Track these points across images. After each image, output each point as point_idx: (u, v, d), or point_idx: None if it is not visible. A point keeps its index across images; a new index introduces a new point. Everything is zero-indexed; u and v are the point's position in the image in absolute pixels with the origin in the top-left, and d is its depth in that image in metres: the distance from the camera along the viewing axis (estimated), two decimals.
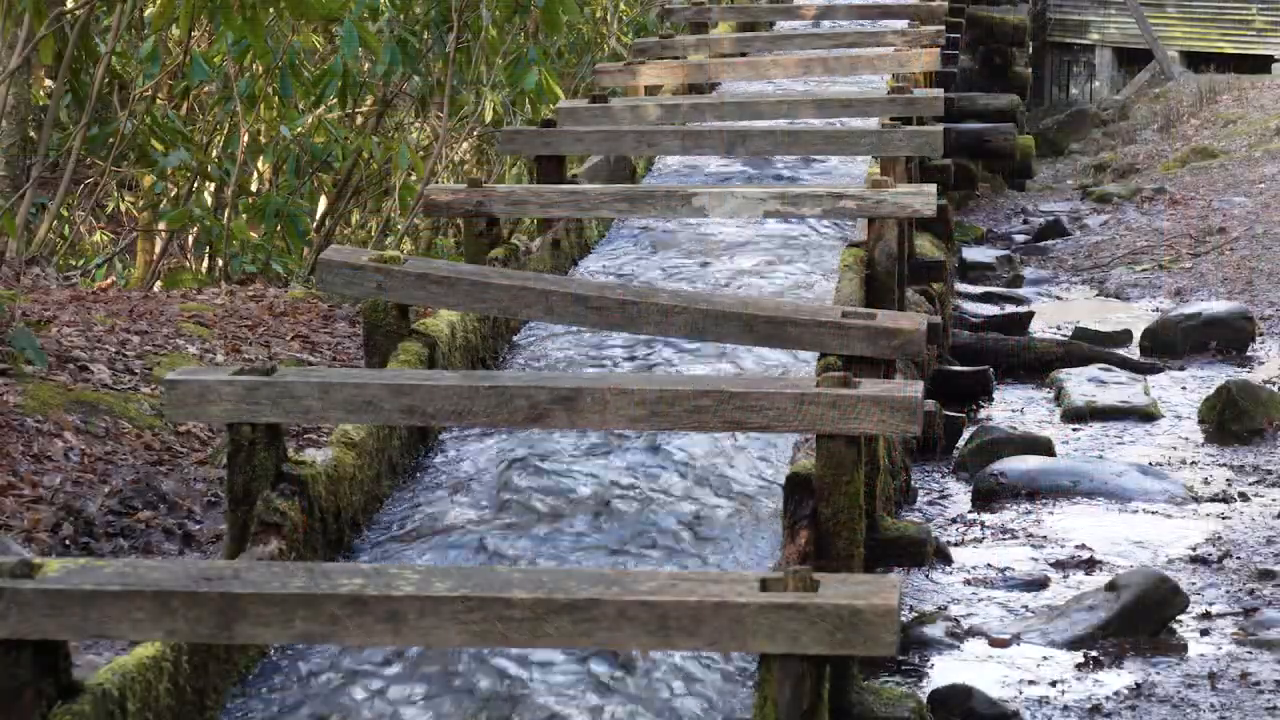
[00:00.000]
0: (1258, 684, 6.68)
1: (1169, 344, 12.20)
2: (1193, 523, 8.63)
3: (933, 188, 8.14)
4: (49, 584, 4.14)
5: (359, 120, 16.20)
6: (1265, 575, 7.87)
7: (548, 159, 9.57)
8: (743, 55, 13.88)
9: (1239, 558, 8.11)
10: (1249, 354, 12.12)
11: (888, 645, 4.04)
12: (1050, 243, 16.44)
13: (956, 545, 8.30)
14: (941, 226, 11.49)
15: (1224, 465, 9.65)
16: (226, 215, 13.42)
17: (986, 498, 9.02)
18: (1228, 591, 7.69)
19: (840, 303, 7.50)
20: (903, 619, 6.27)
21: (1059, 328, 13.01)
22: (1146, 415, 10.54)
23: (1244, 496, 9.05)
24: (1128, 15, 27.22)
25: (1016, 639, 7.12)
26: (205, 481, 7.84)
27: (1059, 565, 8.02)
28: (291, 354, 9.88)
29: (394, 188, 15.30)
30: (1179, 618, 7.28)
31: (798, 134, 9.79)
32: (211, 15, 11.45)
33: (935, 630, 7.10)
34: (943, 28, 13.88)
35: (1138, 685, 6.65)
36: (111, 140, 12.75)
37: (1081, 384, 11.00)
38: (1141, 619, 7.16)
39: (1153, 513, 8.77)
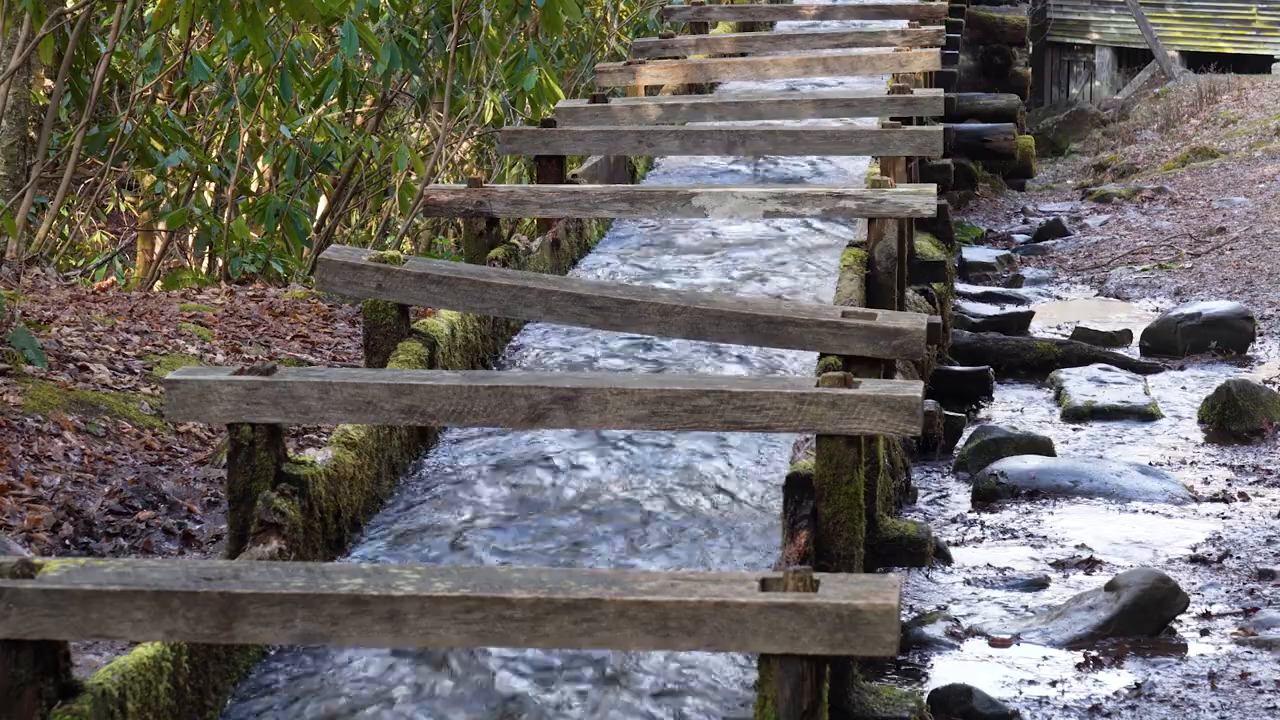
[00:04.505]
0: (1258, 684, 6.68)
1: (1169, 344, 12.20)
2: (1193, 523, 8.63)
3: (933, 188, 8.14)
4: (49, 584, 4.14)
5: (359, 120, 16.20)
6: (1265, 575, 7.87)
7: (548, 159, 9.57)
8: (743, 55, 13.88)
9: (1239, 558, 8.11)
10: (1249, 354, 12.12)
11: (888, 645, 4.04)
12: (1050, 243, 16.44)
13: (956, 545, 8.30)
14: (941, 226, 11.49)
15: (1224, 465, 9.65)
16: (226, 215, 13.42)
17: (986, 498, 9.02)
18: (1228, 591, 7.69)
19: (840, 303, 7.50)
20: (903, 619, 6.27)
21: (1059, 328, 13.01)
22: (1146, 415, 10.54)
23: (1244, 496, 9.05)
24: (1128, 15, 27.22)
25: (1016, 639, 7.12)
26: (205, 481, 7.84)
27: (1059, 565, 8.02)
28: (291, 354, 9.88)
29: (394, 188, 15.30)
30: (1179, 618, 7.28)
31: (798, 134, 9.79)
32: (211, 15, 11.44)
33: (935, 630, 7.10)
34: (943, 28, 13.88)
35: (1138, 685, 6.65)
36: (111, 140, 12.75)
37: (1081, 384, 11.00)
38: (1141, 619, 7.16)
39: (1153, 513, 8.77)
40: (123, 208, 16.10)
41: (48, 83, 14.04)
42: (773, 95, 12.46)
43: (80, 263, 14.02)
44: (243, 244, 13.30)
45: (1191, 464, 9.68)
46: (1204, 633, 7.22)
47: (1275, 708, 6.47)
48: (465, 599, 4.11)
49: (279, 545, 5.27)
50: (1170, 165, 20.07)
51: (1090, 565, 8.01)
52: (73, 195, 14.25)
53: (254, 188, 14.81)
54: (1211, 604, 7.53)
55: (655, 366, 7.42)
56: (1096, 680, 6.72)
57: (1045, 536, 8.42)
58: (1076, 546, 8.26)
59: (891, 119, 10.02)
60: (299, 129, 14.16)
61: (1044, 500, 8.95)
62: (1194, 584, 7.74)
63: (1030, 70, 21.70)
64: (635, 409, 5.32)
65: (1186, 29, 27.01)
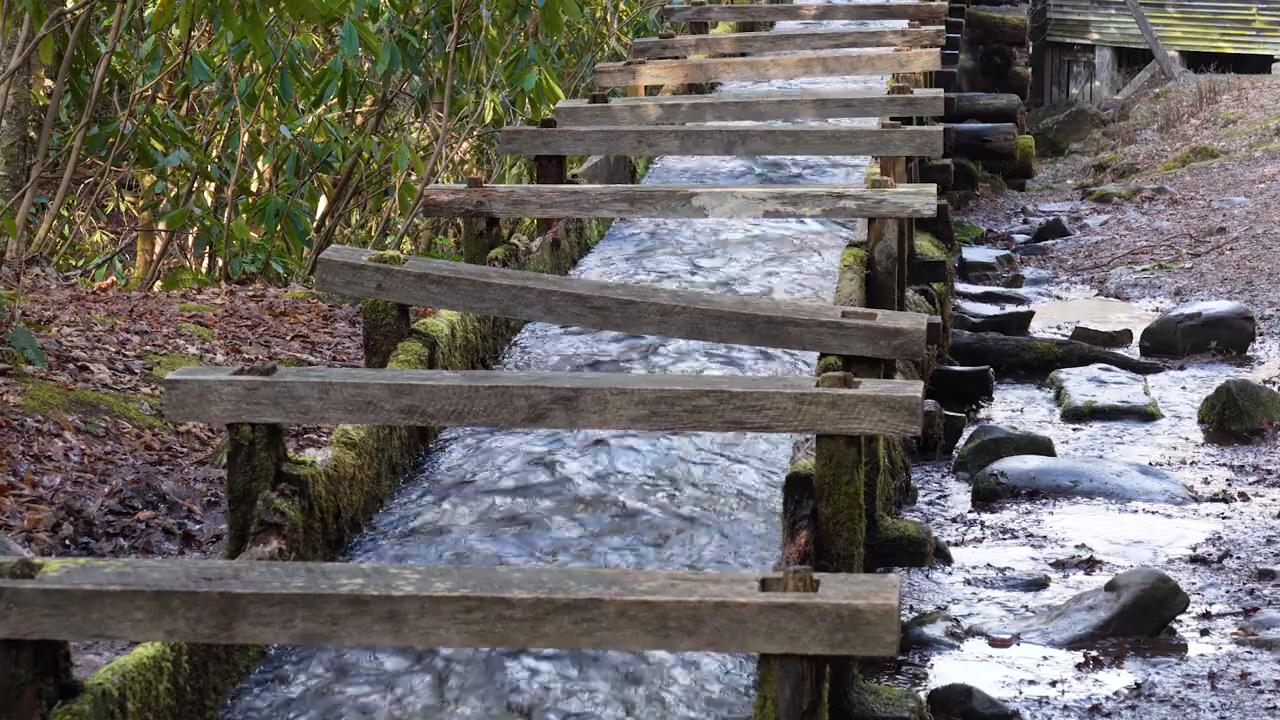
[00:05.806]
0: (1258, 684, 6.68)
1: (1169, 344, 12.20)
2: (1193, 523, 8.63)
3: (933, 188, 8.14)
4: (49, 584, 4.14)
5: (359, 120, 16.20)
6: (1265, 575, 7.87)
7: (548, 159, 9.57)
8: (743, 55, 13.88)
9: (1239, 558, 8.11)
10: (1249, 354, 12.12)
11: (888, 645, 4.04)
12: (1050, 243, 16.44)
13: (956, 545, 8.30)
14: (941, 226, 11.49)
15: (1224, 465, 9.65)
16: (226, 215, 13.42)
17: (986, 498, 9.02)
18: (1228, 591, 7.69)
19: (840, 303, 7.50)
20: (903, 619, 6.27)
21: (1059, 328, 13.01)
22: (1146, 415, 10.54)
23: (1244, 496, 9.05)
24: (1128, 15, 27.22)
25: (1016, 639, 7.12)
26: (205, 481, 7.84)
27: (1059, 565, 8.02)
28: (291, 354, 9.88)
29: (394, 188, 15.30)
30: (1179, 618, 7.28)
31: (798, 134, 9.79)
32: (211, 15, 11.44)
33: (935, 630, 7.10)
34: (943, 28, 13.88)
35: (1138, 685, 6.65)
36: (111, 140, 12.75)
37: (1081, 384, 10.99)
38: (1141, 619, 7.16)
39: (1153, 513, 8.77)
40: (123, 208, 16.09)
41: (48, 83, 14.04)
42: (773, 95, 12.46)
43: (80, 263, 14.02)
44: (243, 244, 13.30)
45: (1191, 464, 9.68)
46: (1204, 633, 7.22)
47: (1275, 708, 6.47)
48: (465, 599, 4.11)
49: (279, 545, 5.28)
50: (1170, 165, 20.07)
51: (1090, 565, 8.01)
52: (73, 195, 14.25)
53: (254, 188, 14.81)
54: (1211, 604, 7.53)
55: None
56: (1096, 680, 6.72)
57: (1045, 536, 8.42)
58: (1076, 546, 8.26)
59: (891, 119, 10.02)
60: (299, 129, 14.16)
61: (1044, 500, 8.95)
62: (1194, 584, 7.74)
63: (1030, 70, 21.70)
64: (635, 409, 5.32)
65: (1186, 29, 27.01)
